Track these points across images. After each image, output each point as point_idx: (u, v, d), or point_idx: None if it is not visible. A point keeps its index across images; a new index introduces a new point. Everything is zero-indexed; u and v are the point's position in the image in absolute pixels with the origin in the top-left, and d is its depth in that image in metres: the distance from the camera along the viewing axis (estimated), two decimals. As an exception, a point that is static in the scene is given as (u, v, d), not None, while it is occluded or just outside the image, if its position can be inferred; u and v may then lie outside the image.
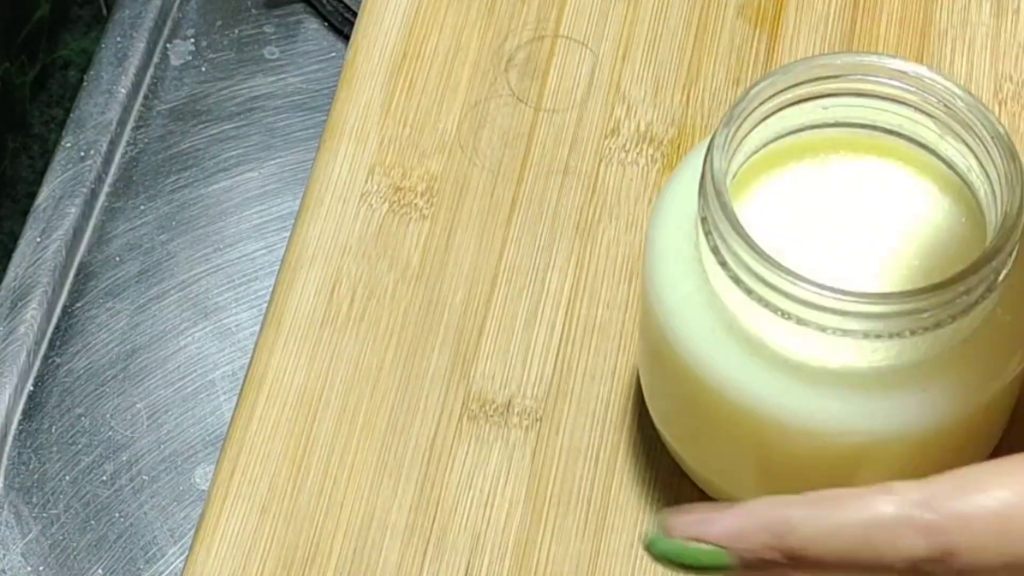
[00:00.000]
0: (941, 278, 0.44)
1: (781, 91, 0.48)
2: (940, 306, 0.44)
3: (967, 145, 0.47)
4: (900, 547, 0.38)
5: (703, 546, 0.38)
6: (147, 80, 0.74)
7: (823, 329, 0.45)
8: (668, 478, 0.55)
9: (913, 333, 0.45)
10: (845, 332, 0.45)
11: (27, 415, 0.66)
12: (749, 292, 0.45)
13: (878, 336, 0.45)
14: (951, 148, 0.48)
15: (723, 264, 0.46)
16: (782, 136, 0.49)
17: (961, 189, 0.49)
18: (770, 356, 0.47)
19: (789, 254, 0.47)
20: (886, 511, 0.38)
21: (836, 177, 0.50)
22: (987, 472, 0.39)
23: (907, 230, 0.49)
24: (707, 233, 0.46)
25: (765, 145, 0.49)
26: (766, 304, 0.45)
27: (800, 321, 0.45)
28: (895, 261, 0.48)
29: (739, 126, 0.47)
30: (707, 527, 0.39)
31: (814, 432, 0.47)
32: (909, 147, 0.49)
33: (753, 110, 0.47)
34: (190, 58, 0.74)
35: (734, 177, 0.48)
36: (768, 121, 0.48)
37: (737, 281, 0.45)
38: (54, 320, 0.68)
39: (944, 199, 0.49)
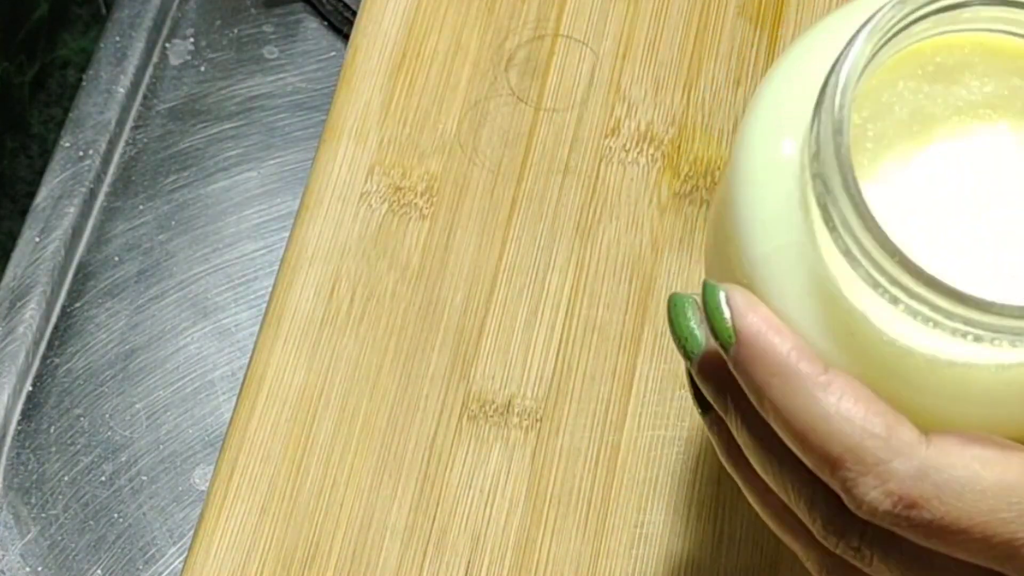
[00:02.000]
0: None
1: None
2: None
3: None
4: (860, 489, 0.37)
5: (727, 319, 0.39)
6: (146, 80, 0.74)
7: (953, 333, 0.38)
8: (668, 478, 0.55)
9: None
10: (978, 338, 0.37)
11: (26, 415, 0.66)
12: (871, 281, 0.38)
13: (1015, 341, 0.38)
14: None
15: (836, 238, 0.38)
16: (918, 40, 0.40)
17: None
18: (872, 336, 0.39)
19: (919, 231, 0.39)
20: (874, 453, 0.37)
21: (978, 147, 0.41)
22: (988, 462, 0.37)
23: None
24: (818, 195, 0.38)
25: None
26: (883, 292, 0.38)
27: (924, 319, 0.38)
28: None
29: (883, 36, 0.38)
30: (745, 315, 0.39)
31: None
32: None
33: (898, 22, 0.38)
34: (189, 58, 0.74)
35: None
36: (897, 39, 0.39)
37: (850, 257, 0.38)
38: (53, 320, 0.68)
39: None
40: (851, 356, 0.40)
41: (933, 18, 0.39)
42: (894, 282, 0.37)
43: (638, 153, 0.61)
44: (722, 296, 0.39)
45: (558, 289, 0.58)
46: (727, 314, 0.39)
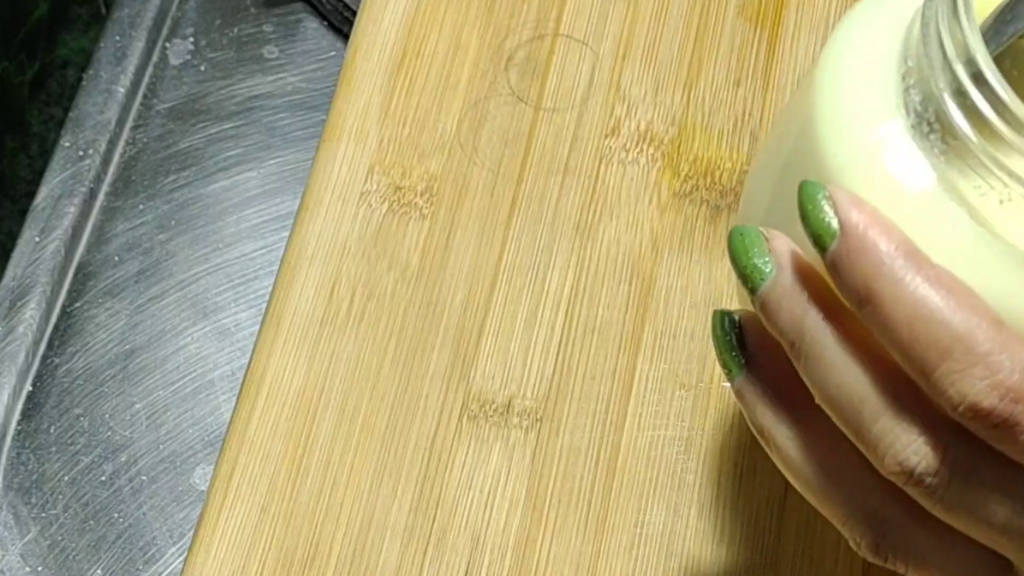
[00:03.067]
0: None
1: None
2: None
3: None
4: (967, 382, 0.36)
5: (831, 215, 0.38)
6: (146, 79, 0.74)
7: None
8: (668, 478, 0.55)
9: None
10: None
11: (26, 415, 0.66)
12: (982, 147, 0.37)
13: None
14: None
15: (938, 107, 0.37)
16: None
17: None
18: (974, 236, 0.39)
19: None
20: (983, 344, 0.36)
21: None
22: None
23: None
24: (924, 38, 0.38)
25: None
26: (994, 162, 0.37)
27: None
28: None
29: None
30: (850, 208, 0.38)
31: None
32: None
33: None
34: (189, 57, 0.74)
35: None
36: None
37: (957, 118, 0.37)
38: (53, 320, 0.68)
39: None
40: (950, 259, 0.38)
41: None
42: (1016, 129, 0.36)
43: (638, 153, 0.61)
44: (823, 192, 0.38)
45: (558, 289, 0.58)
46: (828, 210, 0.38)
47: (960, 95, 0.37)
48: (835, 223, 0.38)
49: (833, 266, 0.38)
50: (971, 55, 0.37)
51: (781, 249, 0.40)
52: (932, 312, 0.37)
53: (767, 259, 0.40)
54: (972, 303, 0.37)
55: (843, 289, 0.38)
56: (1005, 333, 0.37)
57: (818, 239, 0.38)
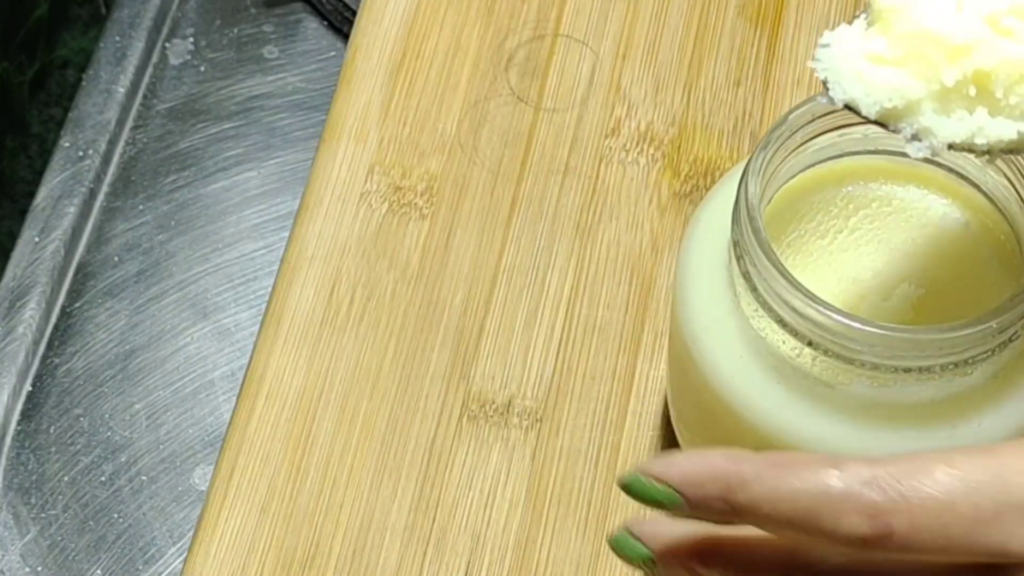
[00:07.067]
0: (974, 315, 0.43)
1: (820, 117, 0.46)
2: (971, 343, 0.43)
3: (1008, 179, 0.46)
4: (843, 524, 0.39)
5: (661, 486, 0.41)
6: (146, 79, 0.74)
7: (850, 362, 0.44)
8: (668, 478, 0.55)
9: (944, 369, 0.44)
10: (875, 366, 0.44)
11: (26, 415, 0.66)
12: (780, 322, 0.44)
13: (907, 371, 0.44)
14: (991, 179, 0.47)
15: (753, 290, 0.45)
16: (820, 162, 0.48)
17: (1000, 224, 0.47)
18: (797, 383, 0.46)
19: (824, 284, 0.46)
20: (834, 486, 0.39)
21: (874, 207, 0.48)
22: (934, 460, 0.40)
23: (942, 263, 0.47)
24: (739, 257, 0.45)
25: (803, 171, 0.48)
26: (795, 333, 0.44)
27: (827, 353, 0.44)
28: (929, 295, 0.47)
29: (776, 151, 0.45)
30: (667, 469, 0.41)
31: None
32: (949, 177, 0.48)
33: (791, 135, 0.46)
34: (189, 57, 0.74)
35: (770, 202, 0.47)
36: (806, 147, 0.47)
37: (767, 308, 0.44)
38: (52, 320, 0.68)
39: (982, 233, 0.48)
40: (781, 404, 0.46)
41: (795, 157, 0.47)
42: (788, 307, 0.44)
43: (638, 153, 0.61)
44: (641, 474, 0.42)
45: (558, 289, 0.58)
46: (653, 483, 0.41)
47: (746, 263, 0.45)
48: (664, 489, 0.41)
49: (694, 509, 0.41)
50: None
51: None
52: (783, 489, 0.40)
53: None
54: (808, 463, 0.40)
55: (713, 518, 0.42)
56: (843, 464, 0.40)
57: (668, 505, 0.41)
